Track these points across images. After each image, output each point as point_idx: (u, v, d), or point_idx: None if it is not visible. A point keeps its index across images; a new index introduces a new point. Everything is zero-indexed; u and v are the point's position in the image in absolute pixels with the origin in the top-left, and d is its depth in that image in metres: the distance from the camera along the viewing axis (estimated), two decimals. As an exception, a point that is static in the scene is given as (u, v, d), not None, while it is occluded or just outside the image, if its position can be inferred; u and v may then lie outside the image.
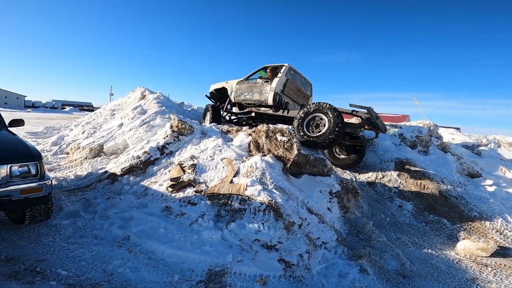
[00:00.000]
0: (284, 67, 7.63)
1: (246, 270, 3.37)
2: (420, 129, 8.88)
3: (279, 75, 7.54)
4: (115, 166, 6.12)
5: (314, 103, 6.23)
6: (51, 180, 3.86)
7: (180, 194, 4.73)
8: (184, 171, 5.31)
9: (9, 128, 4.39)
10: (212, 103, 9.79)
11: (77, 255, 3.38)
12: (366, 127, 6.87)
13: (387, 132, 7.71)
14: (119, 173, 5.75)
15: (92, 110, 32.97)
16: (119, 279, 3.06)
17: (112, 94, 60.55)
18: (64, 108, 58.44)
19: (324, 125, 5.95)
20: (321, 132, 5.89)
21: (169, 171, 5.52)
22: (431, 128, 9.20)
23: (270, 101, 7.50)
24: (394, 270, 3.92)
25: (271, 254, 3.68)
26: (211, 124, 7.55)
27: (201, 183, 4.97)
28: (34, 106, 64.89)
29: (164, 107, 9.48)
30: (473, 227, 5.65)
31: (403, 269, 3.96)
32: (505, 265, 4.37)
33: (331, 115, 5.83)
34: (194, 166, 5.39)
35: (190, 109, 12.82)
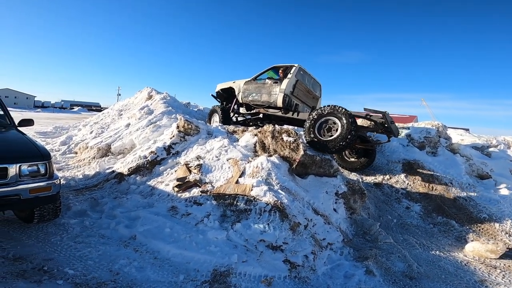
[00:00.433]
0: (294, 68, 7.41)
1: (251, 271, 3.37)
2: (429, 130, 8.78)
3: (289, 76, 7.34)
4: (122, 166, 6.17)
5: (329, 105, 6.04)
6: (60, 180, 3.89)
7: (186, 194, 4.75)
8: (190, 171, 5.33)
9: (18, 128, 4.44)
10: (219, 103, 9.68)
11: (84, 254, 3.41)
12: (379, 131, 6.74)
13: (399, 136, 7.57)
14: (126, 173, 5.80)
15: (100, 110, 33.31)
16: (125, 279, 3.07)
17: (120, 94, 61.06)
18: (73, 108, 59.16)
19: (337, 130, 5.80)
20: (332, 137, 5.77)
21: (175, 171, 5.55)
22: (440, 129, 9.08)
23: (279, 103, 7.30)
24: (400, 272, 3.89)
25: (276, 255, 3.67)
26: (217, 125, 7.51)
27: (207, 183, 4.98)
28: (43, 106, 65.84)
29: (170, 107, 9.53)
30: (482, 228, 5.58)
31: (410, 271, 3.92)
32: None
33: (345, 121, 5.67)
34: (200, 166, 5.40)
35: (196, 109, 12.86)
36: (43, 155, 3.66)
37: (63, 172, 6.62)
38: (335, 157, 7.30)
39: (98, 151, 7.68)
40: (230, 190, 4.69)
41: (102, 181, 5.84)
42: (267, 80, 7.75)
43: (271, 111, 7.88)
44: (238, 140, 6.34)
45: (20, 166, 3.44)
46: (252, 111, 8.53)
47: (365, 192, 5.62)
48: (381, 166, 7.56)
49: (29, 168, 3.53)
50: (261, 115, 8.19)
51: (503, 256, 4.58)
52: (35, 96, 75.10)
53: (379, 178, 7.14)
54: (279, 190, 4.65)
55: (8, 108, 4.77)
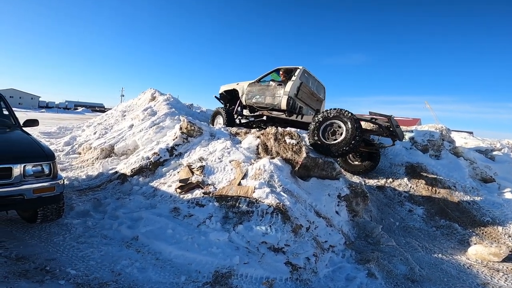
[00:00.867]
0: (298, 70, 7.37)
1: (252, 273, 3.37)
2: (432, 133, 8.75)
3: (293, 78, 7.28)
4: (125, 166, 6.20)
5: (335, 109, 5.99)
6: (63, 180, 3.92)
7: (189, 196, 4.76)
8: (192, 173, 5.34)
9: (23, 128, 4.48)
10: (222, 104, 9.65)
11: (86, 255, 3.43)
12: (384, 135, 6.69)
13: (403, 140, 7.53)
14: (129, 174, 5.82)
15: (103, 111, 33.46)
16: (127, 279, 3.08)
17: (123, 95, 61.22)
18: (77, 109, 59.45)
19: (341, 134, 5.77)
20: (336, 141, 5.75)
21: (178, 172, 5.57)
22: (443, 132, 9.05)
23: (283, 105, 7.26)
24: (402, 275, 3.87)
25: (278, 257, 3.67)
26: (220, 126, 7.51)
27: (209, 184, 4.99)
28: (48, 106, 66.22)
29: (173, 109, 9.56)
30: (485, 232, 5.55)
31: (412, 274, 3.90)
32: None
33: (350, 126, 5.63)
34: (202, 167, 5.41)
35: (199, 111, 12.89)
36: (47, 156, 3.68)
37: (66, 172, 6.66)
38: (338, 160, 7.28)
39: (101, 151, 7.72)
40: (232, 192, 4.70)
41: (105, 181, 5.87)
42: (271, 82, 7.70)
43: (275, 113, 7.82)
44: (240, 142, 6.34)
45: (24, 166, 3.45)
46: (255, 113, 8.46)
47: (368, 195, 5.60)
48: (384, 169, 7.55)
49: (34, 168, 3.55)
50: (264, 118, 8.11)
51: (506, 259, 4.55)
52: (39, 97, 75.62)
53: (381, 181, 7.12)
54: (281, 192, 4.65)
55: (13, 108, 4.81)
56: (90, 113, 47.24)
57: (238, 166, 5.34)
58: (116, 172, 6.12)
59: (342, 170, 6.39)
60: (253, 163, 5.38)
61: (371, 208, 5.76)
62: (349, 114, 5.77)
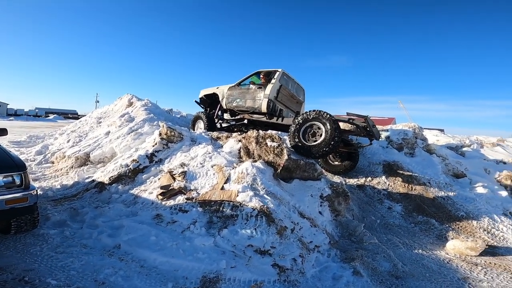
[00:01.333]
0: (277, 73, 7.41)
1: (240, 276, 3.34)
2: (406, 131, 9.06)
3: (273, 81, 7.33)
4: (102, 174, 6.01)
5: (314, 110, 6.10)
6: (37, 190, 3.80)
7: (171, 202, 4.68)
8: (174, 179, 5.26)
9: (-9, 138, 4.27)
10: (202, 109, 9.54)
11: (66, 264, 3.31)
12: (361, 135, 6.85)
13: (380, 139, 7.76)
14: (107, 182, 5.65)
15: (77, 118, 32.36)
16: (111, 288, 2.99)
17: (98, 102, 59.59)
18: (48, 116, 57.14)
19: (321, 135, 5.88)
20: (316, 142, 5.84)
21: (158, 179, 5.46)
22: (416, 131, 9.39)
23: (263, 108, 7.27)
24: (387, 272, 3.96)
25: (265, 259, 3.66)
26: (201, 131, 7.44)
27: (192, 190, 4.93)
28: (16, 114, 63.23)
29: (152, 114, 9.39)
30: (461, 226, 5.77)
31: (396, 270, 3.99)
32: (495, 263, 4.44)
33: (329, 127, 5.75)
34: (184, 173, 5.34)
35: (179, 116, 12.72)
36: (18, 166, 3.56)
37: (39, 182, 6.37)
38: (319, 161, 7.39)
39: (76, 160, 7.45)
40: (215, 196, 4.66)
41: (82, 190, 5.67)
42: (251, 86, 7.71)
43: (255, 116, 7.83)
44: (222, 146, 6.32)
45: None
46: (236, 117, 8.44)
47: (349, 194, 5.71)
48: (363, 168, 7.72)
49: (4, 179, 3.43)
50: (245, 121, 8.11)
51: (483, 253, 4.71)
52: (7, 104, 72.09)
53: (361, 180, 7.29)
54: (265, 195, 4.66)
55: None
56: (63, 120, 45.53)
57: (221, 170, 5.31)
58: (93, 180, 5.93)
59: (323, 171, 6.49)
60: (236, 167, 5.37)
61: (353, 207, 5.87)
62: (328, 116, 5.88)
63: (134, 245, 3.70)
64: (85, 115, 12.57)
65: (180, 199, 4.73)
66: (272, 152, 5.67)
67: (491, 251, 4.91)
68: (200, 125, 8.67)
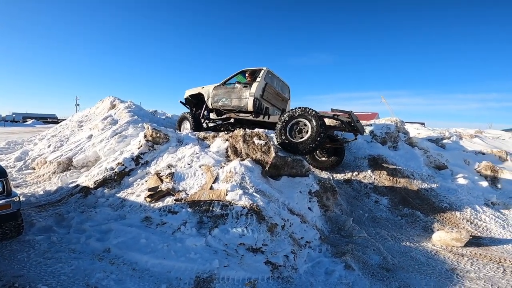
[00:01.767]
0: (262, 71, 7.41)
1: (234, 275, 3.34)
2: (389, 125, 9.27)
3: (258, 79, 7.33)
4: (87, 179, 5.88)
5: (300, 107, 6.16)
6: (19, 197, 3.75)
7: (160, 204, 4.62)
8: (162, 180, 5.19)
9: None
10: (188, 109, 9.42)
11: (56, 270, 3.24)
12: (346, 130, 6.93)
13: (364, 134, 7.88)
14: (92, 186, 5.52)
15: (57, 122, 31.44)
16: (105, 292, 2.94)
17: (78, 105, 57.94)
18: (26, 121, 55.25)
19: (307, 132, 5.94)
20: (303, 139, 5.90)
21: (146, 181, 5.38)
22: (398, 124, 9.62)
23: (250, 107, 7.27)
24: (377, 265, 4.02)
25: (257, 257, 3.67)
26: (187, 132, 7.37)
27: (181, 191, 4.88)
28: (-8, 120, 60.93)
29: (136, 116, 9.24)
30: (445, 218, 5.91)
31: (386, 263, 4.06)
32: (480, 254, 4.53)
33: (314, 123, 5.81)
34: (172, 174, 5.28)
35: (164, 117, 12.56)
36: None
37: (21, 189, 6.17)
38: (307, 157, 7.45)
39: (58, 165, 7.25)
40: (205, 196, 4.63)
41: (66, 196, 5.52)
42: (236, 85, 7.68)
43: (242, 115, 7.81)
44: (209, 146, 6.28)
45: None
46: (223, 116, 8.39)
47: (336, 189, 5.78)
48: (349, 163, 7.84)
49: None
50: (232, 120, 8.07)
51: (468, 244, 4.80)
52: (-19, 111, 69.37)
53: (348, 175, 7.39)
54: (254, 193, 4.67)
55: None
56: (42, 125, 44.13)
57: (209, 170, 5.28)
58: (78, 185, 5.79)
59: (311, 167, 6.55)
60: (224, 166, 5.35)
61: (341, 202, 5.95)
62: (313, 112, 5.95)
63: (124, 248, 3.64)
64: (65, 119, 12.25)
65: (169, 200, 4.67)
66: (260, 150, 5.68)
67: (475, 241, 5.02)
68: (186, 126, 8.57)
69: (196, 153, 5.81)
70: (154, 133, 6.44)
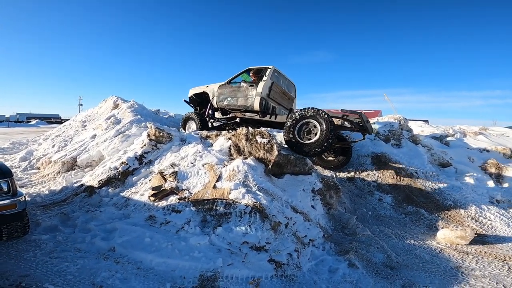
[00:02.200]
0: (269, 70, 7.26)
1: (237, 273, 3.35)
2: (392, 123, 9.23)
3: (264, 78, 7.19)
4: (91, 178, 5.91)
5: (313, 108, 6.07)
6: (25, 196, 3.77)
7: (163, 203, 4.64)
8: (165, 179, 5.21)
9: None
10: (192, 108, 9.30)
11: (62, 269, 3.27)
12: (354, 130, 6.86)
13: (373, 133, 7.80)
14: (96, 186, 5.56)
15: (60, 122, 31.63)
16: (110, 291, 2.97)
17: (81, 105, 58.13)
18: (30, 121, 55.64)
19: (315, 134, 5.88)
20: (310, 141, 5.85)
21: (149, 180, 5.41)
22: (402, 122, 9.58)
23: (256, 107, 7.15)
24: (381, 263, 4.02)
25: (261, 255, 3.68)
26: (190, 130, 7.34)
27: (184, 190, 4.90)
28: (-3, 120, 61.37)
29: (139, 116, 9.27)
30: (449, 215, 5.88)
31: (390, 261, 4.06)
32: (485, 252, 4.50)
33: (324, 127, 5.75)
34: (175, 173, 5.31)
35: (167, 116, 12.58)
36: (4, 173, 3.54)
37: (26, 188, 6.23)
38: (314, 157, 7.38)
39: (63, 165, 7.30)
40: (208, 195, 4.65)
41: (71, 195, 5.56)
42: (242, 84, 7.56)
43: (248, 115, 7.69)
44: (212, 145, 6.29)
45: None
46: (228, 116, 8.27)
47: (340, 187, 5.78)
48: (352, 161, 7.82)
49: None
50: (238, 120, 7.94)
51: (473, 242, 4.78)
52: (-14, 111, 69.84)
53: (351, 173, 7.38)
54: (257, 192, 4.68)
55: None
56: (46, 125, 44.42)
57: (212, 169, 5.30)
58: (82, 185, 5.83)
59: (313, 165, 6.52)
60: (227, 165, 5.36)
61: (344, 200, 5.95)
62: (326, 116, 5.86)
63: (129, 247, 3.67)
64: (69, 119, 12.32)
65: (173, 199, 4.70)
66: (263, 149, 5.68)
67: (480, 239, 4.99)
68: (192, 126, 8.47)
69: (199, 152, 5.82)
70: (157, 132, 6.47)
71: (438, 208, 6.10)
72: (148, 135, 6.51)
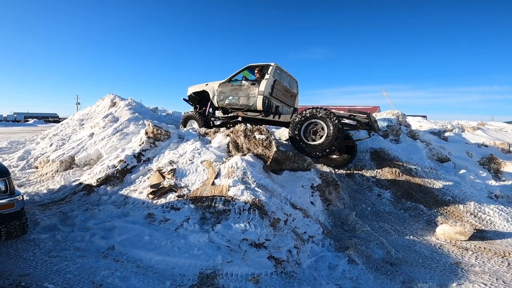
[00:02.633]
0: (271, 67, 7.00)
1: (237, 270, 3.35)
2: (390, 119, 9.24)
3: (266, 76, 6.93)
4: (89, 177, 5.89)
5: (325, 109, 5.92)
6: (22, 196, 3.75)
7: (162, 200, 4.64)
8: (164, 177, 5.20)
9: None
10: (191, 106, 9.08)
11: (61, 268, 3.27)
12: (360, 129, 6.75)
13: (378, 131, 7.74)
14: (95, 184, 5.54)
15: (58, 121, 31.50)
16: (110, 290, 2.96)
17: (79, 103, 57.83)
18: (28, 121, 55.40)
19: (321, 137, 5.75)
20: (314, 143, 5.76)
21: (148, 178, 5.39)
22: (400, 118, 9.59)
23: (259, 106, 6.91)
24: (381, 259, 4.01)
25: (260, 252, 3.68)
26: (188, 128, 7.28)
27: (183, 187, 4.89)
28: (-6, 120, 61.06)
29: (137, 114, 9.21)
30: (448, 211, 5.87)
31: (389, 257, 4.05)
32: (484, 248, 4.49)
33: (332, 131, 5.61)
34: (173, 171, 5.29)
35: (165, 114, 12.53)
36: (1, 172, 3.52)
37: (24, 188, 6.20)
38: None
39: (61, 164, 7.26)
40: (207, 192, 4.64)
41: (69, 194, 5.54)
42: (243, 82, 7.31)
43: (250, 114, 7.44)
44: (210, 142, 6.27)
45: None
46: (230, 115, 7.97)
47: (339, 183, 5.77)
48: (351, 157, 7.80)
49: None
50: (240, 119, 7.71)
51: (472, 238, 4.76)
52: (-18, 111, 69.48)
53: (350, 168, 7.37)
54: (256, 188, 4.67)
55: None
56: (43, 124, 44.27)
57: (210, 166, 5.28)
58: (80, 183, 5.80)
59: (312, 161, 6.48)
60: (225, 162, 5.35)
61: (343, 196, 5.94)
62: (336, 120, 5.67)
63: (128, 246, 3.66)
64: (67, 118, 12.25)
65: (171, 197, 4.69)
66: (261, 145, 5.67)
67: (479, 235, 4.98)
68: (194, 125, 8.24)
69: (198, 149, 5.81)
70: (155, 130, 6.44)
71: (437, 203, 6.09)
72: (146, 133, 6.48)
